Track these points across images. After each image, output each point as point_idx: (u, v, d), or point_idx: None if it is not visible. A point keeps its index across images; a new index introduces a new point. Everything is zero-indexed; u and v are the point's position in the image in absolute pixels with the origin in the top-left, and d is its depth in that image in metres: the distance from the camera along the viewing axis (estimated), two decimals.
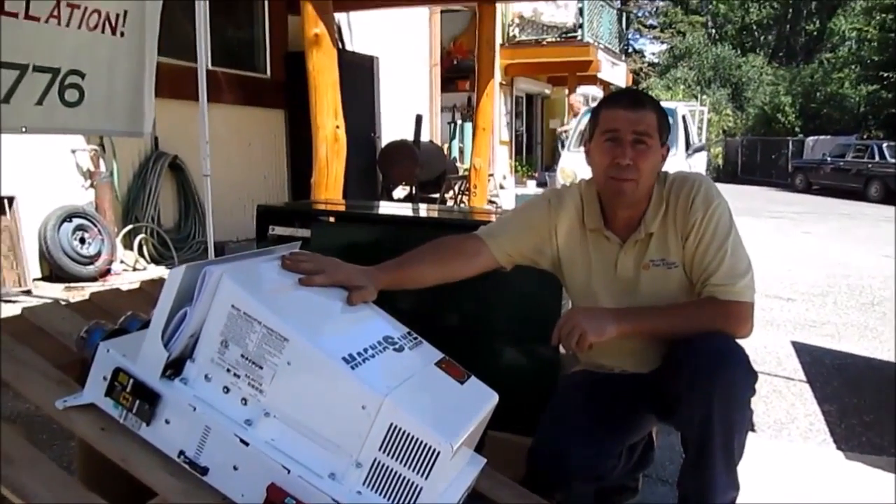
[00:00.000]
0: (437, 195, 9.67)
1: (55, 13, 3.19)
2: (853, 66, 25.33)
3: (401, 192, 9.69)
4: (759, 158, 25.48)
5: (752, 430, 2.85)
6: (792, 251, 8.24)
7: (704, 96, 26.15)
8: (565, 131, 10.57)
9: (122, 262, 5.96)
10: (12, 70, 3.05)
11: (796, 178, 20.52)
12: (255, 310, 1.22)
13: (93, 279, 5.53)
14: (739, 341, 1.55)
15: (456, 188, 10.03)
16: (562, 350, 2.00)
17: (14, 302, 4.58)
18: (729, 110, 28.75)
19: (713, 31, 35.00)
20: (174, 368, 1.26)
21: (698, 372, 1.48)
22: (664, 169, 1.69)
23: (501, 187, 13.29)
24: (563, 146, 10.05)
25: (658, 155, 1.62)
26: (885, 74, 21.84)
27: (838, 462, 2.60)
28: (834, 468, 2.54)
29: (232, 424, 1.21)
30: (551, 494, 1.59)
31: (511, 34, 15.21)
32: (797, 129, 25.29)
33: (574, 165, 8.54)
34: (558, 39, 15.00)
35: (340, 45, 8.06)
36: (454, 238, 1.75)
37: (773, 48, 33.47)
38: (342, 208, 3.23)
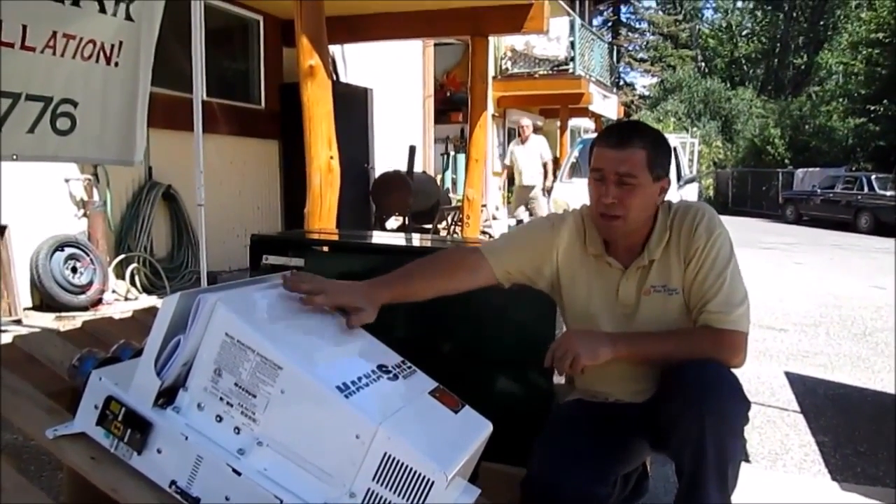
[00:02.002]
0: (430, 225, 9.70)
1: (51, 43, 3.20)
2: (841, 100, 25.66)
3: (394, 222, 9.72)
4: (749, 190, 25.69)
5: (747, 460, 2.84)
6: (784, 282, 8.27)
7: (695, 128, 26.46)
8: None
9: (113, 291, 5.93)
10: (5, 99, 3.06)
11: (787, 210, 20.67)
12: (250, 338, 1.22)
13: (84, 308, 5.49)
14: (733, 371, 1.55)
15: (449, 219, 10.06)
16: (556, 378, 2.00)
17: (4, 331, 4.54)
18: (719, 142, 29.04)
19: (703, 64, 35.51)
20: (167, 397, 1.25)
21: (691, 400, 1.47)
22: (667, 198, 1.71)
23: (494, 218, 13.33)
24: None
25: (647, 190, 1.63)
26: (872, 107, 22.11)
27: (834, 493, 2.58)
28: (829, 499, 2.52)
29: (224, 454, 1.20)
30: None
31: (503, 67, 15.37)
32: (787, 161, 25.52)
33: (567, 196, 8.59)
34: (550, 72, 15.16)
35: (335, 77, 8.13)
36: (455, 251, 1.76)
37: (762, 81, 33.93)
38: (336, 238, 3.23)
